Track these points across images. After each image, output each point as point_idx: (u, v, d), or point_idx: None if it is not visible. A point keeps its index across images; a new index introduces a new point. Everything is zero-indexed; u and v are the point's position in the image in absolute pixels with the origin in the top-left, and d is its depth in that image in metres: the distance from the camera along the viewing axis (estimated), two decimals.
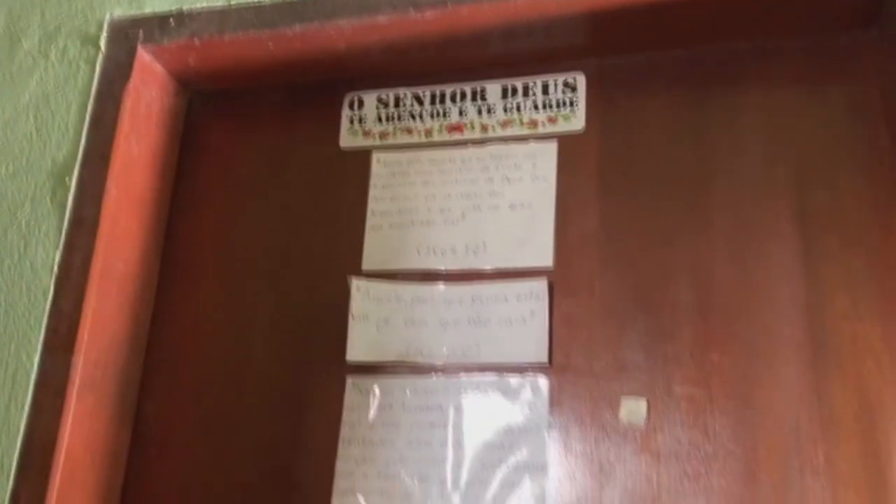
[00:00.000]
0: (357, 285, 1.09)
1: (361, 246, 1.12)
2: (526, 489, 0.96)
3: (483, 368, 1.03)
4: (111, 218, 1.08)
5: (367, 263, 1.11)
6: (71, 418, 1.00)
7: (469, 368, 1.03)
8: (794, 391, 0.93)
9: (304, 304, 1.11)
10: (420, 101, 1.16)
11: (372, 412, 1.04)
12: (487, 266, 1.07)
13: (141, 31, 1.15)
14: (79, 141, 1.12)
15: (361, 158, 1.16)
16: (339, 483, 1.02)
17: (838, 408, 0.91)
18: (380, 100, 1.18)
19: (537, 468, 0.97)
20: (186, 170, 1.22)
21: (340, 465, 1.02)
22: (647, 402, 0.96)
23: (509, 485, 0.97)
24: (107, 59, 1.15)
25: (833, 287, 0.95)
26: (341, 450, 1.03)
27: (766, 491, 0.90)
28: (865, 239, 0.96)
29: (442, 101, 1.15)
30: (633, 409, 0.95)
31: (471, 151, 1.13)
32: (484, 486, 0.98)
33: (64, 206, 1.08)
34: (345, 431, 1.04)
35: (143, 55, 1.15)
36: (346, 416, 1.05)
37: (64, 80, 1.16)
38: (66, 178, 1.10)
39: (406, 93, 1.17)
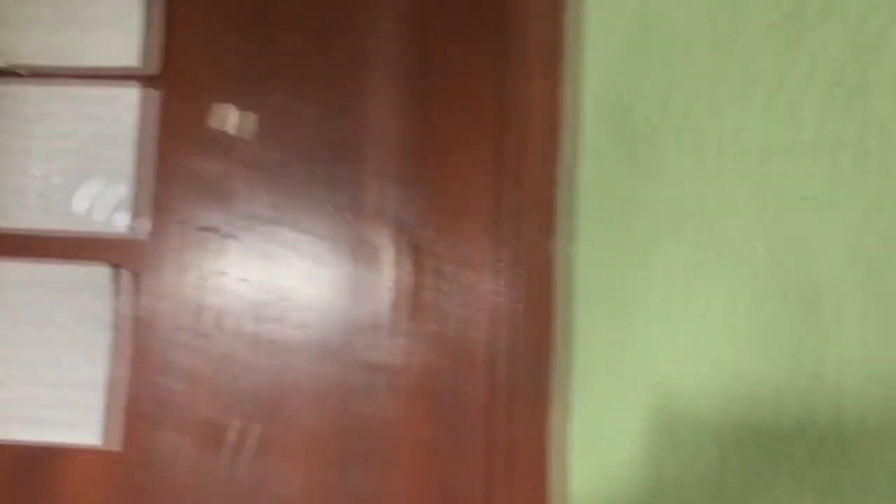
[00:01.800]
0: None
1: None
2: (109, 197, 0.92)
3: (73, 74, 0.93)
4: None
5: None
6: None
7: (58, 74, 0.93)
8: (392, 100, 0.93)
9: None
10: None
11: None
12: None
13: None
14: None
15: None
16: None
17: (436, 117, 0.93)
18: None
19: (122, 176, 0.92)
20: None
21: None
22: (236, 108, 0.93)
23: (93, 194, 0.92)
24: None
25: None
26: None
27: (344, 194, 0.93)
28: None
29: None
30: (223, 116, 0.92)
31: None
32: (69, 195, 0.92)
33: None
34: None
35: None
36: None
37: None
38: None
39: None
